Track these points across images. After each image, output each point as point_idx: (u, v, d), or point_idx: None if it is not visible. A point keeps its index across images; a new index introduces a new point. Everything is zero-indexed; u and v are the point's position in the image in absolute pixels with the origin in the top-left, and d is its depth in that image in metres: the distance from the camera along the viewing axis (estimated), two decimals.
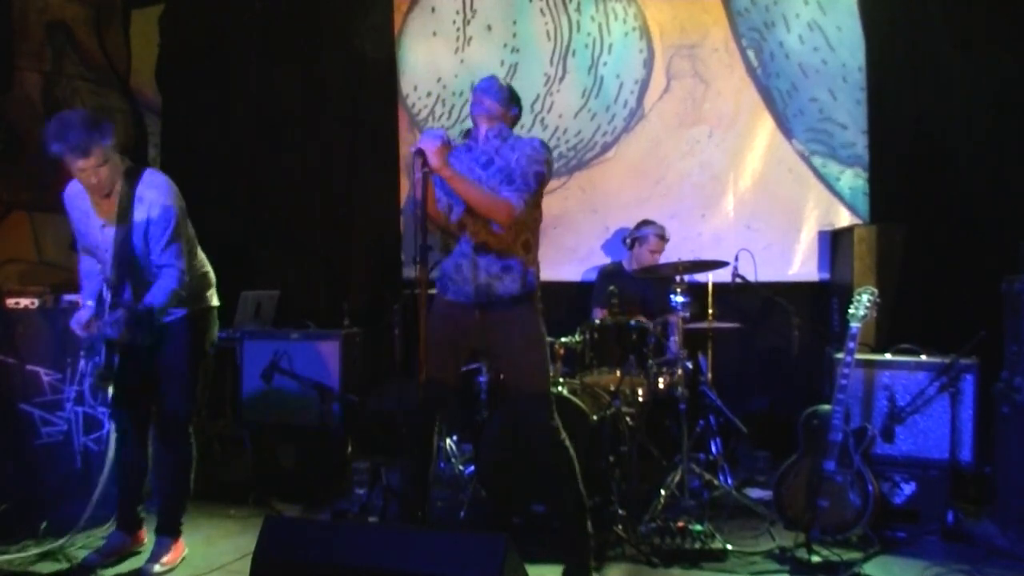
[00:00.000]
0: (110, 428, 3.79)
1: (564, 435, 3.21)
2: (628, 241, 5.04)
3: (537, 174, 3.11)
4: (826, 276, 5.19)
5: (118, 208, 3.24)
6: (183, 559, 3.49)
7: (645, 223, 4.97)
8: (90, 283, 3.49)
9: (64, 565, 3.43)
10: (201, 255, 3.58)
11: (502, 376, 3.40)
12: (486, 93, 3.23)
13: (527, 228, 3.19)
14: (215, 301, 3.61)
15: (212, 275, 3.62)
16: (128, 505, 3.57)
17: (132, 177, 3.28)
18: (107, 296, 3.33)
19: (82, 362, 3.88)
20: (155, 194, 3.26)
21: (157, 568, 3.35)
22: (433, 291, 3.34)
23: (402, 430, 3.26)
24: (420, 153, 2.89)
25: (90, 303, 3.41)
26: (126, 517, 3.57)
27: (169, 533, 3.47)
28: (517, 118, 3.33)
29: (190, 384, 3.45)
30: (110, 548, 3.49)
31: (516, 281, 3.14)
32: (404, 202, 5.68)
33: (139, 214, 3.24)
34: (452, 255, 3.22)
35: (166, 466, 3.49)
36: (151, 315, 3.16)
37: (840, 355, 3.67)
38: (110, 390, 3.51)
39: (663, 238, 4.91)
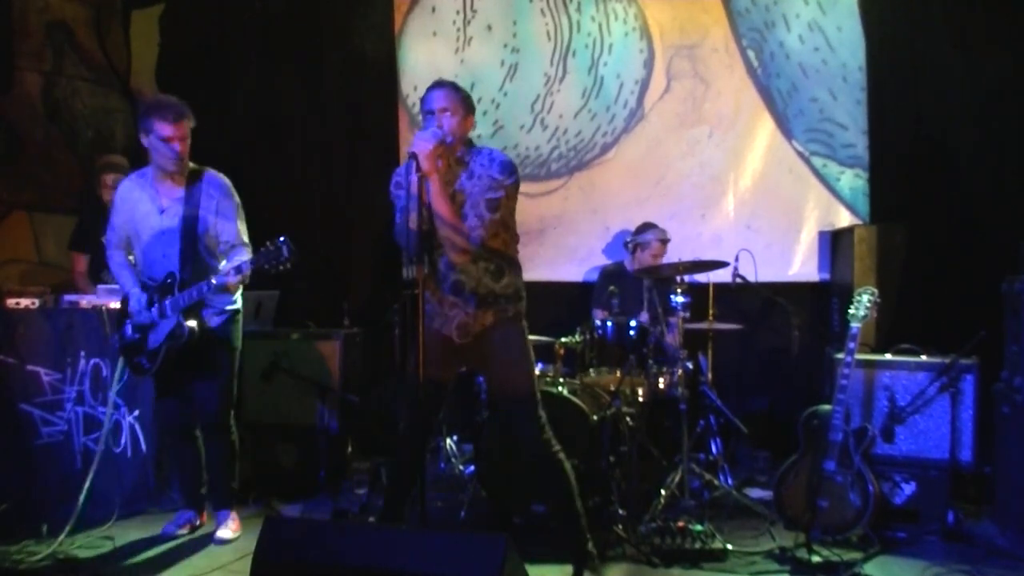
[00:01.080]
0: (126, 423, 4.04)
1: (558, 447, 3.20)
2: (630, 245, 5.04)
3: (491, 202, 3.03)
4: (826, 276, 5.19)
5: (187, 191, 3.60)
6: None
7: (646, 227, 4.97)
8: (127, 273, 3.71)
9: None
10: None
11: (491, 385, 3.38)
12: (445, 86, 3.09)
13: (502, 227, 3.12)
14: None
15: None
16: (192, 487, 3.88)
17: (197, 170, 3.66)
18: (155, 280, 3.59)
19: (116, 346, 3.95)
20: (227, 185, 3.68)
21: (227, 534, 3.71)
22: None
23: (396, 431, 3.25)
24: (413, 156, 2.87)
25: (135, 290, 3.61)
26: (191, 497, 3.89)
27: (227, 505, 3.80)
28: (473, 126, 3.20)
29: (232, 379, 3.72)
30: (182, 521, 3.83)
31: (514, 281, 3.15)
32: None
33: (208, 200, 3.60)
34: (438, 274, 3.12)
35: (214, 458, 3.78)
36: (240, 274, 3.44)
37: (840, 355, 3.67)
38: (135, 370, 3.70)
39: (665, 242, 4.90)
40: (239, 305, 3.77)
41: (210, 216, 3.59)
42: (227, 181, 3.70)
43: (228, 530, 3.74)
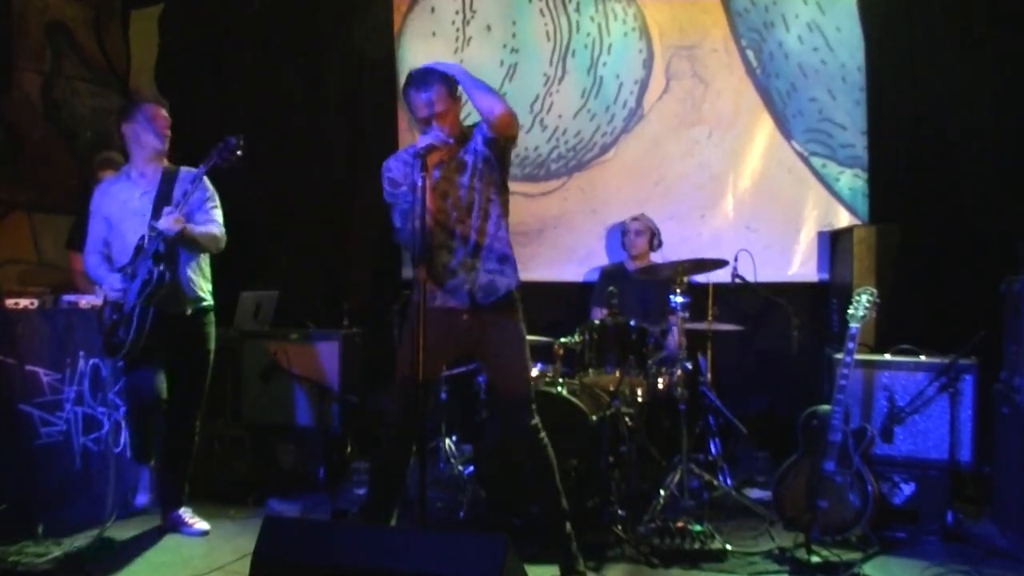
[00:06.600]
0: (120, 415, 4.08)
1: (544, 434, 3.21)
2: (623, 241, 5.15)
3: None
4: (825, 276, 5.19)
5: (163, 178, 3.75)
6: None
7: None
8: (104, 268, 3.74)
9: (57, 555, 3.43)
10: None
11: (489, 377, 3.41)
12: (429, 87, 3.08)
13: (506, 212, 3.23)
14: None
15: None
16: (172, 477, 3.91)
17: (173, 165, 3.85)
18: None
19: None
20: (197, 174, 3.70)
21: (202, 524, 3.83)
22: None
23: (384, 434, 3.27)
24: (419, 156, 2.89)
25: (111, 276, 3.66)
26: (175, 490, 3.90)
27: (186, 503, 3.89)
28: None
29: (205, 378, 3.82)
30: (178, 520, 3.86)
31: (514, 271, 3.20)
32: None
33: (181, 188, 3.68)
34: (444, 266, 3.16)
35: (176, 453, 3.84)
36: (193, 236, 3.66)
37: (840, 355, 3.67)
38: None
39: (645, 226, 5.02)
40: (211, 301, 3.87)
41: (179, 204, 3.63)
42: (200, 175, 3.72)
43: (198, 523, 3.84)
